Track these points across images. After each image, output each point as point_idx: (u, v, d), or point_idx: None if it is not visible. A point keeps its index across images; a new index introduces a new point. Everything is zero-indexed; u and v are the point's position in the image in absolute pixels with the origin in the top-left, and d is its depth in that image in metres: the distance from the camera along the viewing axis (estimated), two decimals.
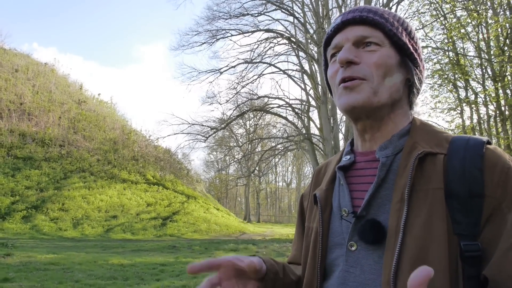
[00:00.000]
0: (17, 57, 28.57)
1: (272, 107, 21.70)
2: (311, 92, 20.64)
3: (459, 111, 16.82)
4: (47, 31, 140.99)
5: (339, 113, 18.57)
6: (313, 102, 20.72)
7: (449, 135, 0.83)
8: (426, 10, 16.06)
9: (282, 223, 50.89)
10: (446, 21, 15.63)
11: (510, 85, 13.72)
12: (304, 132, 20.60)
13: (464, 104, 16.27)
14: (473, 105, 15.85)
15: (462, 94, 16.54)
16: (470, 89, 16.00)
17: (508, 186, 0.71)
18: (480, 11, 14.04)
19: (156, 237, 18.24)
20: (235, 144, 35.12)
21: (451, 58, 15.73)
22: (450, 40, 15.29)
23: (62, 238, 15.55)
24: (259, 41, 20.66)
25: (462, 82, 16.03)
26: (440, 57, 16.29)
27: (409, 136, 0.85)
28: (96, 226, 17.92)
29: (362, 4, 17.14)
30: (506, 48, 13.51)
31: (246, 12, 20.18)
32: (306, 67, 20.83)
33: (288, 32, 21.19)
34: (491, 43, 14.97)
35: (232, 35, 20.85)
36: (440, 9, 15.74)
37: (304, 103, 21.46)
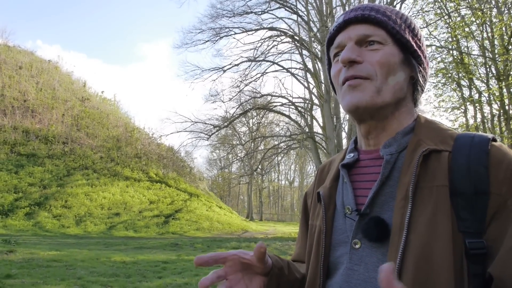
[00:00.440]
0: (21, 54, 28.63)
1: (275, 106, 21.66)
2: (314, 90, 20.59)
3: (462, 110, 16.78)
4: (51, 29, 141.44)
5: (342, 112, 18.55)
6: (316, 101, 20.68)
7: (454, 132, 0.82)
8: (430, 8, 15.98)
9: (285, 222, 50.91)
10: (450, 20, 15.57)
11: None
12: (307, 130, 20.57)
13: (468, 103, 16.21)
14: (477, 104, 15.79)
15: (466, 93, 16.50)
16: (474, 88, 15.94)
17: None
18: (484, 10, 13.98)
19: (158, 235, 18.27)
20: (238, 142, 35.08)
21: (455, 57, 15.66)
22: (454, 38, 15.23)
23: (65, 235, 15.60)
24: (263, 39, 20.64)
25: (466, 81, 15.97)
26: (444, 56, 16.24)
27: (413, 133, 0.84)
28: (98, 223, 17.96)
29: (366, 2, 17.09)
30: (510, 47, 13.46)
31: (249, 10, 20.17)
32: (310, 65, 20.80)
33: (291, 30, 21.16)
34: (496, 42, 14.93)
35: (235, 33, 20.84)
36: (444, 7, 15.69)
37: (307, 102, 21.42)
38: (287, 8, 20.58)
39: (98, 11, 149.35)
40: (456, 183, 0.73)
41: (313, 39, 19.96)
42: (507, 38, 13.79)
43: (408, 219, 0.73)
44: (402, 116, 0.87)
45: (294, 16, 20.94)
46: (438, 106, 17.39)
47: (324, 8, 19.46)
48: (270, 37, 20.71)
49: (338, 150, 17.34)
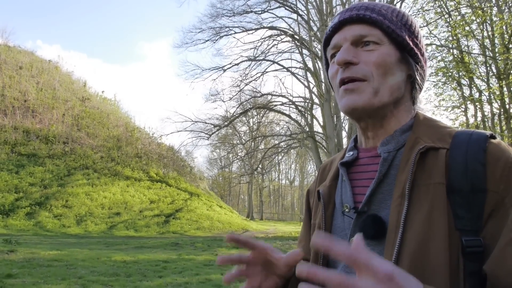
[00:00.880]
0: (21, 54, 28.64)
1: (276, 105, 21.67)
2: (315, 89, 20.59)
3: (463, 109, 16.75)
4: (51, 29, 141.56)
5: None
6: (316, 100, 20.68)
7: (453, 130, 0.81)
8: (430, 7, 15.97)
9: (285, 221, 50.93)
10: (450, 19, 15.56)
11: None
12: (307, 129, 20.56)
13: (468, 102, 16.19)
14: (477, 103, 15.78)
15: (466, 92, 16.48)
16: (474, 87, 15.93)
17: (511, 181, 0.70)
18: (484, 9, 13.97)
19: (159, 234, 18.29)
20: (238, 141, 35.11)
21: (456, 56, 15.65)
22: (455, 37, 15.20)
23: (66, 235, 15.61)
24: (263, 38, 20.65)
25: (466, 80, 15.95)
26: (444, 55, 16.23)
27: (411, 131, 0.84)
28: (99, 223, 17.98)
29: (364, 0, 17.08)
30: (510, 45, 13.44)
31: (249, 10, 20.17)
32: (310, 64, 20.79)
33: (291, 30, 21.17)
34: (496, 41, 14.91)
35: (235, 33, 20.84)
36: (444, 6, 15.67)
37: (307, 101, 21.42)
38: (287, 7, 20.59)
39: (98, 10, 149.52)
40: (453, 181, 0.72)
41: (313, 38, 19.96)
42: (507, 37, 13.78)
43: (404, 217, 0.73)
44: (400, 114, 0.87)
45: (294, 15, 20.96)
46: (439, 105, 17.37)
47: (324, 7, 19.45)
48: (270, 36, 20.71)
49: (338, 149, 17.34)
